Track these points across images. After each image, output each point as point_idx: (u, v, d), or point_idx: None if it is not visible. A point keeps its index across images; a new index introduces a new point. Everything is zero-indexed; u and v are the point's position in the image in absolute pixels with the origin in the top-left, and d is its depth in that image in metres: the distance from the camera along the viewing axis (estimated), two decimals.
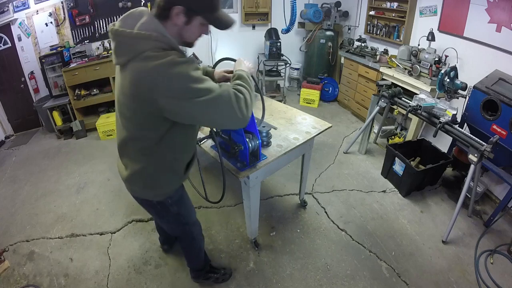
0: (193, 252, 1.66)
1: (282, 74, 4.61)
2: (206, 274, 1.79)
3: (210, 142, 1.69)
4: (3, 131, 3.98)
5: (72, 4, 3.73)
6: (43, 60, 3.67)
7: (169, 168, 1.18)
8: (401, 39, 3.55)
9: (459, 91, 2.38)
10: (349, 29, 4.62)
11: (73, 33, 3.89)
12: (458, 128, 2.21)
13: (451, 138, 2.65)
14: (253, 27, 4.68)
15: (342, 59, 4.49)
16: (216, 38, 4.33)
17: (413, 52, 3.06)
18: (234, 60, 1.27)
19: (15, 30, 3.69)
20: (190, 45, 1.05)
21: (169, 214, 1.34)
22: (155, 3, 0.94)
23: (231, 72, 1.41)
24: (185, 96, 0.88)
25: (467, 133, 2.13)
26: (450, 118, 2.21)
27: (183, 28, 0.96)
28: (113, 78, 3.83)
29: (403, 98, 2.72)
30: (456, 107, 2.29)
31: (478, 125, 2.37)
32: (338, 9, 4.50)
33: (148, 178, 1.16)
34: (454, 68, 2.37)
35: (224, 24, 1.01)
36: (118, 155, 1.23)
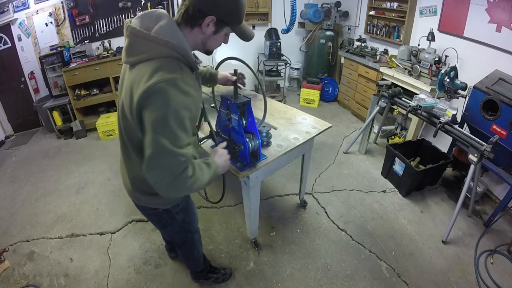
0: (193, 258, 1.66)
1: (282, 74, 4.61)
2: (206, 274, 1.79)
3: (210, 142, 1.69)
4: (3, 131, 3.98)
5: (72, 4, 3.73)
6: (43, 60, 3.67)
7: None
8: (401, 39, 3.55)
9: (459, 91, 2.38)
10: (349, 29, 4.62)
11: (73, 33, 3.90)
12: (458, 128, 2.21)
13: (451, 138, 2.65)
14: (253, 27, 4.67)
15: (342, 59, 4.49)
16: None
17: (413, 52, 3.06)
18: (238, 60, 1.27)
19: (15, 30, 3.69)
20: (210, 53, 1.05)
21: (174, 222, 1.32)
22: (182, 9, 0.92)
23: (233, 74, 1.43)
24: (156, 123, 0.84)
25: (467, 133, 2.13)
26: (450, 118, 2.21)
27: (210, 37, 0.96)
28: (114, 78, 3.83)
29: (403, 98, 2.72)
30: (456, 107, 2.29)
31: (478, 125, 2.37)
32: (338, 9, 4.50)
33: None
34: (454, 68, 2.37)
35: (247, 36, 1.03)
36: (122, 161, 1.18)
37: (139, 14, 0.94)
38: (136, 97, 0.86)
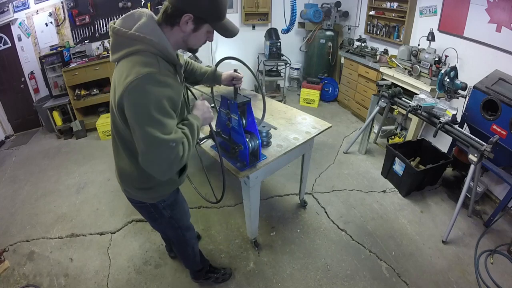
0: (187, 256, 1.66)
1: (282, 74, 4.61)
2: (206, 274, 1.79)
3: (210, 142, 1.69)
4: (3, 131, 3.98)
5: (72, 4, 3.73)
6: (43, 60, 3.67)
7: None
8: (401, 39, 3.55)
9: (459, 91, 2.38)
10: (349, 29, 4.62)
11: (73, 33, 3.90)
12: (458, 128, 2.21)
13: (451, 138, 2.65)
14: (253, 27, 4.68)
15: (342, 59, 4.49)
16: (216, 38, 4.33)
17: (413, 52, 3.06)
18: (236, 59, 1.27)
19: (15, 30, 3.69)
20: (194, 51, 1.07)
21: (162, 217, 1.33)
22: (162, 9, 0.95)
23: (236, 70, 1.45)
24: (141, 117, 0.87)
25: (467, 133, 2.13)
26: (450, 118, 2.21)
27: (190, 35, 0.98)
28: None
29: (403, 98, 2.72)
30: (456, 107, 2.29)
31: (478, 125, 2.37)
32: (338, 9, 4.51)
33: (139, 180, 1.15)
34: (454, 68, 2.37)
35: (229, 32, 1.03)
36: (113, 156, 1.22)
37: (123, 15, 0.98)
38: (118, 96, 0.90)
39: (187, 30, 0.96)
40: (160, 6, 3.97)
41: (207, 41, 1.06)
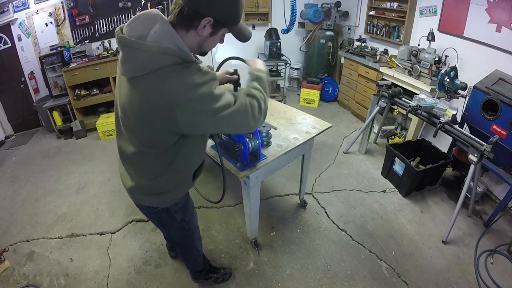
0: (192, 257, 1.65)
1: (282, 74, 4.61)
2: (206, 274, 1.79)
3: (210, 142, 1.69)
4: (3, 131, 3.98)
5: (72, 4, 3.73)
6: (43, 60, 3.67)
7: (177, 180, 1.15)
8: (401, 39, 3.55)
9: (459, 91, 2.38)
10: (349, 29, 4.62)
11: (73, 33, 3.90)
12: (458, 128, 2.21)
13: (451, 138, 2.65)
14: (253, 27, 4.68)
15: (342, 59, 4.49)
16: None
17: (413, 52, 3.06)
18: (239, 59, 1.27)
19: (15, 30, 3.69)
20: (205, 54, 1.02)
21: (173, 221, 1.32)
22: (176, 10, 0.86)
23: (233, 73, 1.41)
24: (206, 114, 0.87)
25: (467, 133, 2.13)
26: (450, 118, 2.21)
27: (206, 39, 0.92)
28: (114, 78, 3.83)
29: (403, 98, 2.72)
30: (456, 107, 2.29)
31: (478, 125, 2.37)
32: (338, 9, 4.51)
33: (154, 188, 1.13)
34: (454, 68, 2.37)
35: (244, 37, 1.00)
36: (121, 162, 1.19)
37: (129, 20, 0.88)
38: (160, 111, 0.84)
39: (204, 34, 0.89)
40: (160, 6, 3.96)
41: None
